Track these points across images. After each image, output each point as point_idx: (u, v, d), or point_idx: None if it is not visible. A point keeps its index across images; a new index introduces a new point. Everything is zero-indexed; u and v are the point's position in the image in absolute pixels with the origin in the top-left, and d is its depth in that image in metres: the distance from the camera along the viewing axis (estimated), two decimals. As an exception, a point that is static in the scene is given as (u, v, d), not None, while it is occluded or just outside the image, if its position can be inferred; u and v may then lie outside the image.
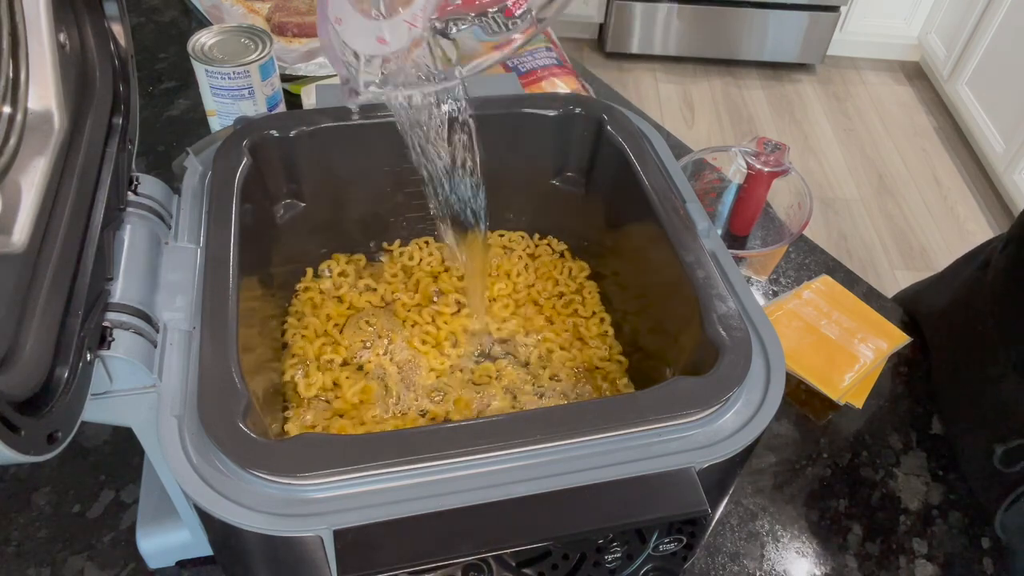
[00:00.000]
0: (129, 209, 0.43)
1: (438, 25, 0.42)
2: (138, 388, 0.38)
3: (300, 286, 0.60)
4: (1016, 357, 0.54)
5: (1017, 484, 0.53)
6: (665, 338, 0.50)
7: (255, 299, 0.49)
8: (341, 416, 0.52)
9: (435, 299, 0.60)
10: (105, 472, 0.55)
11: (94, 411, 0.37)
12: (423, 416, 0.53)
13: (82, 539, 0.52)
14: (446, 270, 0.63)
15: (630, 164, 0.53)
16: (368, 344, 0.57)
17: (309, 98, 0.83)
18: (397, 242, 0.63)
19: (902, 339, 0.67)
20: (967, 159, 2.23)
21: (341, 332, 0.58)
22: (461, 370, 0.56)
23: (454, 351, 0.57)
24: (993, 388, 0.56)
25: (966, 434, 0.59)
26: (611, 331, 0.59)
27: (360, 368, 0.56)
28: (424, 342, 0.58)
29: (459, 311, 0.60)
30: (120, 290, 0.39)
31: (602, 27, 2.57)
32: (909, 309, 0.70)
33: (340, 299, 0.59)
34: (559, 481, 0.36)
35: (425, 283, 0.61)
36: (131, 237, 0.42)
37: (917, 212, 2.07)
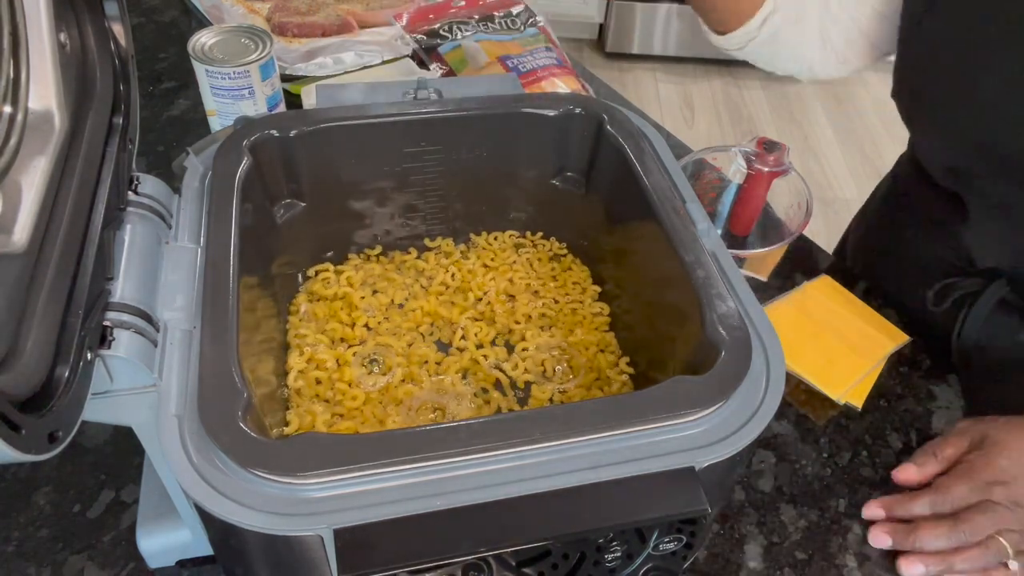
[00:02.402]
0: (129, 209, 0.43)
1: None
2: (138, 387, 0.38)
3: (300, 286, 0.60)
4: (928, 216, 0.71)
5: (944, 325, 0.67)
6: (665, 338, 0.50)
7: (255, 299, 0.49)
8: (341, 416, 0.52)
9: (435, 298, 0.60)
10: (105, 472, 0.55)
11: (94, 410, 0.37)
12: (423, 416, 0.53)
13: (82, 539, 0.52)
14: (446, 270, 0.63)
15: (630, 164, 0.53)
16: (368, 344, 0.57)
17: (309, 98, 0.83)
18: (397, 242, 0.63)
19: (902, 339, 0.67)
20: (967, 159, 2.23)
21: (341, 331, 0.58)
22: (462, 371, 0.56)
23: (454, 351, 0.57)
24: (918, 244, 0.72)
25: (904, 294, 0.71)
26: (610, 330, 0.59)
27: (360, 368, 0.56)
28: (424, 340, 0.58)
29: (460, 311, 0.60)
30: (120, 290, 0.39)
31: (602, 27, 2.57)
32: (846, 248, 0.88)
33: (340, 299, 0.59)
34: (559, 481, 0.36)
35: (424, 282, 0.61)
36: (131, 237, 0.42)
37: (917, 212, 2.07)
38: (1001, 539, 0.50)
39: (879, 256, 0.79)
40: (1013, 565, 0.51)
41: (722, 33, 0.71)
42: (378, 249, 0.63)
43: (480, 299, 0.61)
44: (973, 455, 0.55)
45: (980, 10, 0.56)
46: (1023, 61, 0.53)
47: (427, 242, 0.64)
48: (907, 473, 0.56)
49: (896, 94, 0.66)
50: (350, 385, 0.54)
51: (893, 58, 0.65)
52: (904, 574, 0.52)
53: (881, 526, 0.54)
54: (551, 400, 0.55)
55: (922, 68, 0.62)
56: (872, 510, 0.56)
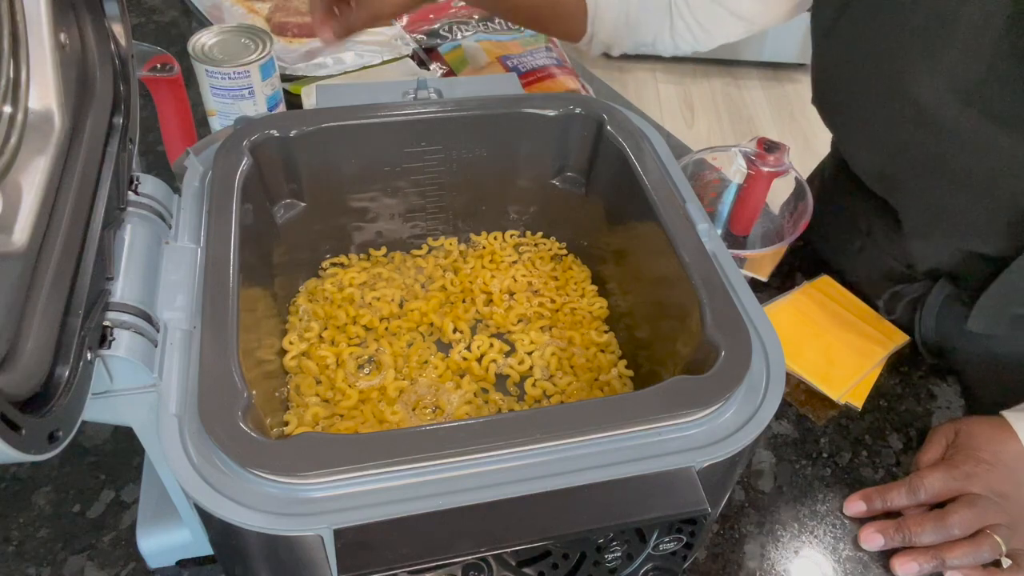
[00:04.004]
0: (130, 209, 0.43)
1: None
2: (138, 387, 0.38)
3: (300, 286, 0.60)
4: (866, 230, 0.71)
5: (906, 328, 0.68)
6: (665, 338, 0.50)
7: (255, 299, 0.49)
8: (341, 416, 0.52)
9: (435, 298, 0.60)
10: (105, 472, 0.55)
11: (94, 410, 0.37)
12: (423, 416, 0.53)
13: (82, 539, 0.52)
14: (445, 271, 0.63)
15: (630, 164, 0.53)
16: (368, 344, 0.57)
17: (309, 98, 0.83)
18: (397, 242, 0.63)
19: (902, 339, 0.67)
20: (967, 159, 2.23)
21: (341, 331, 0.58)
22: (462, 371, 0.56)
23: (454, 351, 0.57)
24: (861, 258, 0.72)
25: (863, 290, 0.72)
26: (610, 330, 0.59)
27: (360, 368, 0.56)
28: (424, 340, 0.58)
29: (460, 311, 0.60)
30: (120, 290, 0.39)
31: (602, 27, 2.57)
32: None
33: (340, 299, 0.59)
34: (559, 481, 0.36)
35: (424, 281, 0.61)
36: (131, 237, 0.42)
37: (917, 212, 2.07)
38: (995, 535, 0.51)
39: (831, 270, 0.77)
40: (1006, 562, 0.51)
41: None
42: (383, 251, 0.63)
43: (480, 299, 0.60)
44: (949, 450, 0.56)
45: (894, 13, 0.55)
46: (941, 58, 0.53)
47: (429, 241, 0.64)
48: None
49: (817, 101, 0.66)
50: (350, 385, 0.54)
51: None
52: (899, 573, 0.52)
53: (870, 526, 0.54)
54: (551, 400, 0.55)
55: (840, 75, 0.62)
56: (853, 504, 0.56)
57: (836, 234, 0.74)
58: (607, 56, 0.78)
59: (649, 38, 0.73)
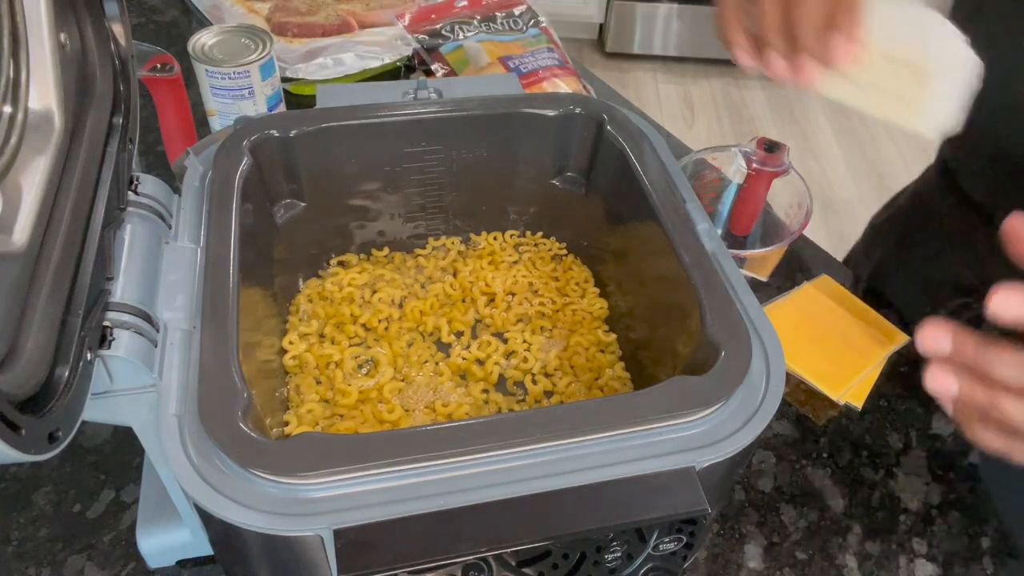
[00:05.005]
0: (129, 209, 0.43)
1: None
2: (138, 387, 0.38)
3: (300, 286, 0.60)
4: (944, 235, 0.66)
5: None
6: (665, 338, 0.50)
7: (255, 299, 0.49)
8: (341, 416, 0.52)
9: (435, 298, 0.60)
10: (105, 472, 0.55)
11: (94, 410, 0.37)
12: (423, 416, 0.53)
13: (82, 539, 0.52)
14: (444, 271, 0.63)
15: (630, 164, 0.53)
16: (368, 344, 0.57)
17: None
18: (397, 242, 0.63)
19: (902, 339, 0.67)
20: (967, 159, 2.23)
21: (341, 331, 0.58)
22: (462, 371, 0.56)
23: (454, 351, 0.57)
24: (925, 266, 0.67)
25: (916, 314, 0.62)
26: (610, 330, 0.59)
27: (360, 368, 0.56)
28: (424, 340, 0.58)
29: (460, 311, 0.60)
30: (120, 290, 0.39)
31: (602, 27, 2.57)
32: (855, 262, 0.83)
33: (340, 299, 0.59)
34: (559, 481, 0.36)
35: (424, 281, 0.61)
36: (131, 237, 0.42)
37: (917, 212, 2.07)
38: None
39: (889, 272, 0.76)
40: None
41: None
42: (385, 251, 0.63)
43: (480, 299, 0.60)
44: None
45: (1012, 21, 0.53)
46: None
47: (431, 241, 0.64)
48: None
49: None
50: (349, 385, 0.53)
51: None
52: (930, 386, 0.36)
53: (945, 365, 0.36)
54: (551, 400, 0.55)
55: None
56: (933, 336, 0.36)
57: (913, 236, 0.70)
58: (608, 56, 0.76)
59: None
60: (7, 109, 0.33)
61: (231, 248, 0.44)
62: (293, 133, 0.53)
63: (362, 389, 0.53)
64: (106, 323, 0.37)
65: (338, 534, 0.34)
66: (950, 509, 0.57)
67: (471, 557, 0.35)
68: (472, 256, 0.63)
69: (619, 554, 0.39)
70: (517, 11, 0.96)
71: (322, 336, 0.57)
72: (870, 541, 0.55)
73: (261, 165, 0.52)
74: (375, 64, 0.90)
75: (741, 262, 0.71)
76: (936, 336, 0.36)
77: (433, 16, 0.96)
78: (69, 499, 0.54)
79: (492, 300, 0.61)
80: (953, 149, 0.66)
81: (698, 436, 0.38)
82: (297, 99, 0.86)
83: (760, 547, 0.54)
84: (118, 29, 0.43)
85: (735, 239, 0.74)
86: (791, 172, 0.69)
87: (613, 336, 0.59)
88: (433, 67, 0.90)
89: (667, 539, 0.39)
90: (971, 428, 0.36)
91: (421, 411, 0.53)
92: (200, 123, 0.76)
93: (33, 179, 0.34)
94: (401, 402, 0.53)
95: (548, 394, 0.55)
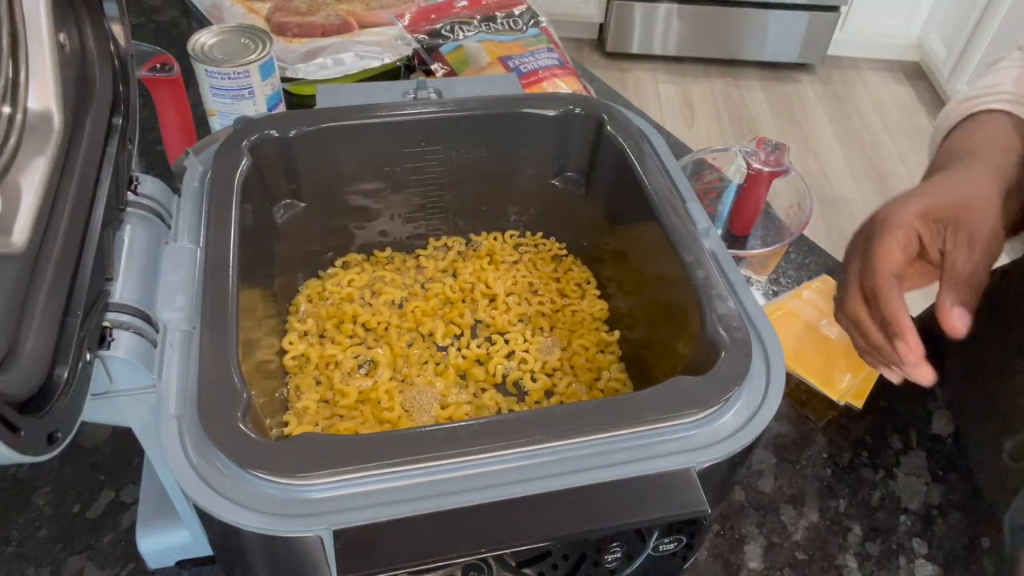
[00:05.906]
0: (129, 209, 0.43)
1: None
2: (138, 388, 0.38)
3: (300, 286, 0.60)
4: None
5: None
6: (665, 338, 0.50)
7: (255, 299, 0.49)
8: (341, 417, 0.52)
9: (435, 298, 0.60)
10: (105, 472, 0.55)
11: (94, 411, 0.37)
12: (422, 416, 0.53)
13: (82, 539, 0.52)
14: (444, 271, 0.63)
15: (630, 164, 0.53)
16: (368, 345, 0.57)
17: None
18: (397, 242, 0.63)
19: (902, 339, 0.67)
20: (967, 159, 2.22)
21: (341, 332, 0.58)
22: (462, 371, 0.56)
23: (453, 351, 0.57)
24: (1007, 383, 0.57)
25: (976, 430, 0.59)
26: (611, 331, 0.59)
27: (360, 368, 0.56)
28: (424, 341, 0.58)
29: (460, 312, 0.60)
30: (120, 290, 0.39)
31: (602, 27, 2.57)
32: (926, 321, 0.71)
33: (340, 299, 0.59)
34: (559, 481, 0.36)
35: (424, 281, 0.61)
36: (131, 237, 0.42)
37: (917, 212, 2.07)
38: None
39: (971, 352, 0.61)
40: None
41: None
42: (387, 252, 0.63)
43: (480, 300, 0.60)
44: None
45: None
46: None
47: (431, 241, 0.64)
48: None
49: None
50: (349, 386, 0.53)
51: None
52: (946, 325, 0.42)
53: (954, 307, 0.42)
54: (551, 401, 0.55)
55: None
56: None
57: (990, 339, 0.58)
58: (608, 56, 0.77)
59: None
60: (6, 109, 0.33)
61: (231, 248, 0.44)
62: (293, 133, 0.53)
63: (362, 389, 0.53)
64: (105, 323, 0.37)
65: (338, 535, 0.34)
66: (950, 509, 0.57)
67: (471, 558, 0.35)
68: (472, 256, 0.63)
69: (619, 555, 0.39)
70: (517, 11, 0.96)
71: (322, 336, 0.57)
72: (870, 541, 0.55)
73: (261, 165, 0.52)
74: (375, 64, 0.90)
75: (741, 262, 0.71)
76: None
77: (433, 16, 0.96)
78: (69, 500, 0.54)
79: (492, 301, 0.61)
80: None
81: (698, 437, 0.38)
82: (297, 99, 0.86)
83: (760, 547, 0.54)
84: (118, 29, 0.43)
85: (735, 239, 0.74)
86: (791, 172, 0.69)
87: (613, 336, 0.59)
88: (433, 67, 0.90)
89: (667, 540, 0.39)
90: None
91: (421, 411, 0.53)
92: (200, 123, 0.76)
93: (32, 179, 0.34)
94: (401, 402, 0.53)
95: (548, 394, 0.55)
